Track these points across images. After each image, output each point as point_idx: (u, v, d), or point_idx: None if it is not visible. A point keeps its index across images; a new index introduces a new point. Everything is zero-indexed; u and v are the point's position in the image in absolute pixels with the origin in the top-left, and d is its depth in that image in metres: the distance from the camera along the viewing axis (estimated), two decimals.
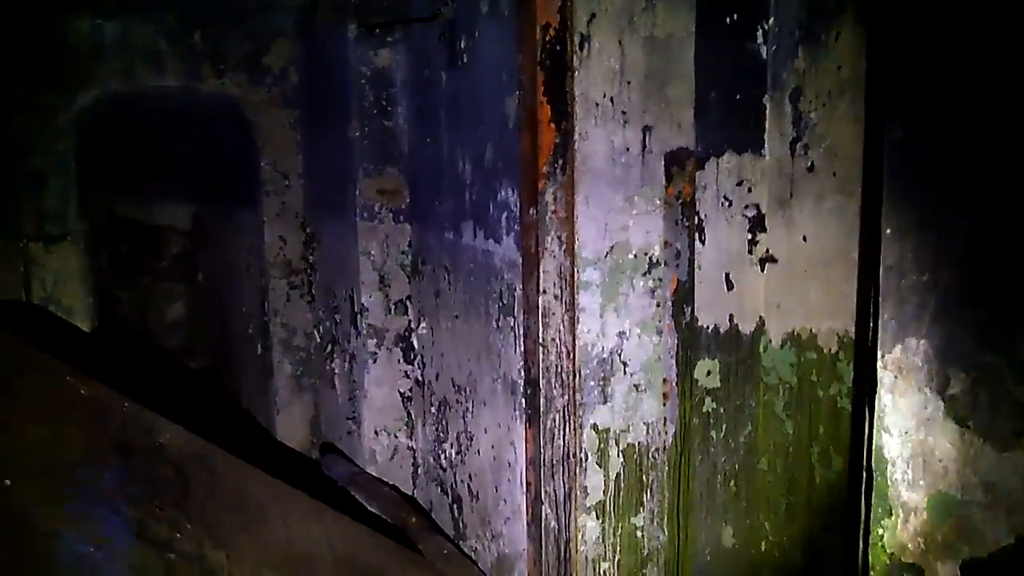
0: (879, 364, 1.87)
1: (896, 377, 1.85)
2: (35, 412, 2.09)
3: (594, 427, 2.32)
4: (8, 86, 3.41)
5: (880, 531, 1.91)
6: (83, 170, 3.71)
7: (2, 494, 1.68)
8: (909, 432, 1.84)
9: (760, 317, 2.45)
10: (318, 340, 3.88)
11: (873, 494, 1.92)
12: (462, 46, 2.70)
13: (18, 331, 2.49)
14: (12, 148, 3.45)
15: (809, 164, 2.33)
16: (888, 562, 1.90)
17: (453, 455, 3.03)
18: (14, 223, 3.49)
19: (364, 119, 3.25)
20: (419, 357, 3.35)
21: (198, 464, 2.41)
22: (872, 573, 2.00)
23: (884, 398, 1.86)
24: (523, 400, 2.43)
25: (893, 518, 1.88)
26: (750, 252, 2.42)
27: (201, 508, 2.16)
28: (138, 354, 4.72)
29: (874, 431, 1.90)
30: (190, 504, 2.14)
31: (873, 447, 1.91)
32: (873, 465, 1.91)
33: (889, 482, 1.89)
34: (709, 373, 2.43)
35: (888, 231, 1.83)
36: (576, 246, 2.23)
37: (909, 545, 1.85)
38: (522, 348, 2.41)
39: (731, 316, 2.44)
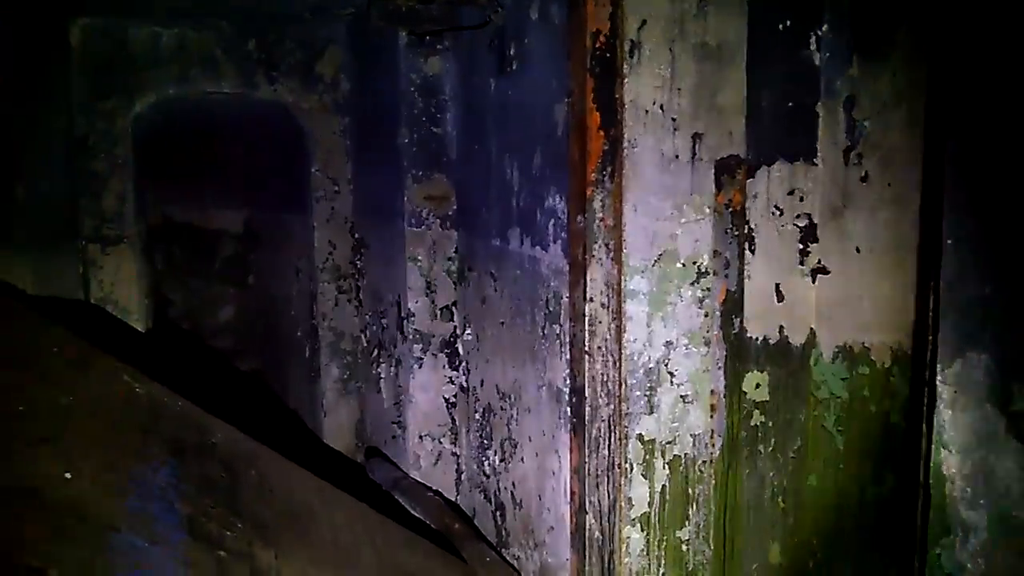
0: (938, 378, 1.82)
1: (956, 392, 1.79)
2: (94, 409, 2.15)
3: (640, 437, 2.30)
4: (71, 91, 3.52)
5: (937, 551, 1.85)
6: (139, 174, 3.81)
7: (63, 486, 1.73)
8: (969, 449, 1.78)
9: (811, 329, 2.40)
10: (365, 344, 3.92)
11: (930, 512, 1.86)
12: (511, 53, 2.71)
13: (78, 330, 2.56)
14: (74, 151, 3.56)
15: (863, 174, 2.29)
16: None
17: (497, 462, 3.03)
18: (74, 225, 3.60)
19: (413, 126, 3.28)
20: (464, 363, 3.36)
21: (248, 464, 2.45)
22: None
23: (943, 413, 1.80)
24: (568, 409, 2.42)
25: (951, 537, 1.83)
26: (801, 263, 2.38)
27: (250, 507, 2.20)
28: (190, 355, 4.82)
29: (932, 447, 1.85)
30: (240, 503, 2.18)
31: (931, 464, 1.85)
32: (931, 482, 1.86)
33: (947, 500, 1.83)
34: (758, 386, 2.39)
35: (949, 241, 1.78)
36: (624, 254, 2.22)
37: (968, 565, 1.80)
38: (568, 356, 2.41)
39: (781, 328, 2.39)
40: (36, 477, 1.73)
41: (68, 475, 1.79)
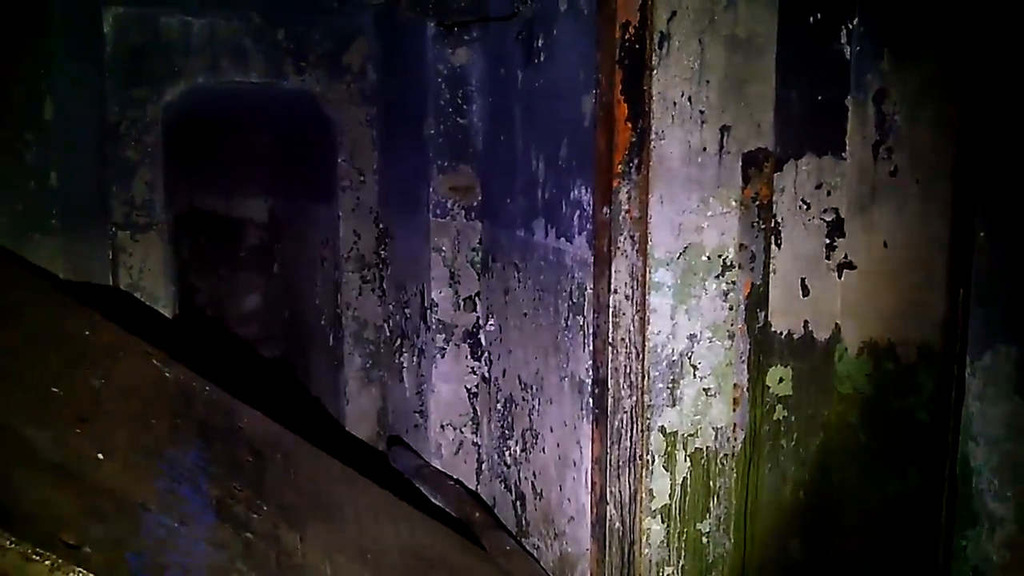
0: (967, 371, 1.81)
1: (985, 384, 1.78)
2: (126, 392, 2.19)
3: (662, 430, 2.30)
4: (104, 79, 3.57)
5: (962, 542, 1.84)
6: (168, 162, 3.85)
7: (96, 466, 1.77)
8: (997, 441, 1.77)
9: (836, 324, 2.39)
10: (388, 334, 3.95)
11: (956, 504, 1.85)
12: (539, 44, 2.71)
13: (109, 315, 2.61)
14: (106, 139, 3.60)
15: (892, 168, 2.27)
16: (971, 574, 1.84)
17: (518, 452, 3.05)
18: (104, 211, 3.64)
19: (440, 117, 3.29)
20: (486, 354, 3.38)
21: (274, 449, 2.48)
22: None
23: (971, 406, 1.79)
24: (590, 400, 2.43)
25: (977, 529, 1.82)
26: (827, 257, 2.37)
27: (276, 491, 2.23)
28: (215, 342, 4.88)
29: (959, 439, 1.84)
30: (266, 487, 2.21)
31: (958, 456, 1.84)
32: (957, 474, 1.85)
33: (974, 492, 1.82)
34: (781, 380, 2.39)
35: (982, 234, 1.77)
36: (649, 246, 2.22)
37: (994, 557, 1.79)
38: (591, 347, 2.41)
39: (806, 323, 2.39)
40: (71, 456, 1.77)
41: (101, 456, 1.83)
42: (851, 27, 2.28)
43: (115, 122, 3.62)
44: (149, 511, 1.73)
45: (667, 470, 2.32)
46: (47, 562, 1.42)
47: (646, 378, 2.27)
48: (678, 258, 2.25)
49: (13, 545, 1.41)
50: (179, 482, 1.91)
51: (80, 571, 1.45)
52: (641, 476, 2.29)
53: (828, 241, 2.36)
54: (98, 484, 1.72)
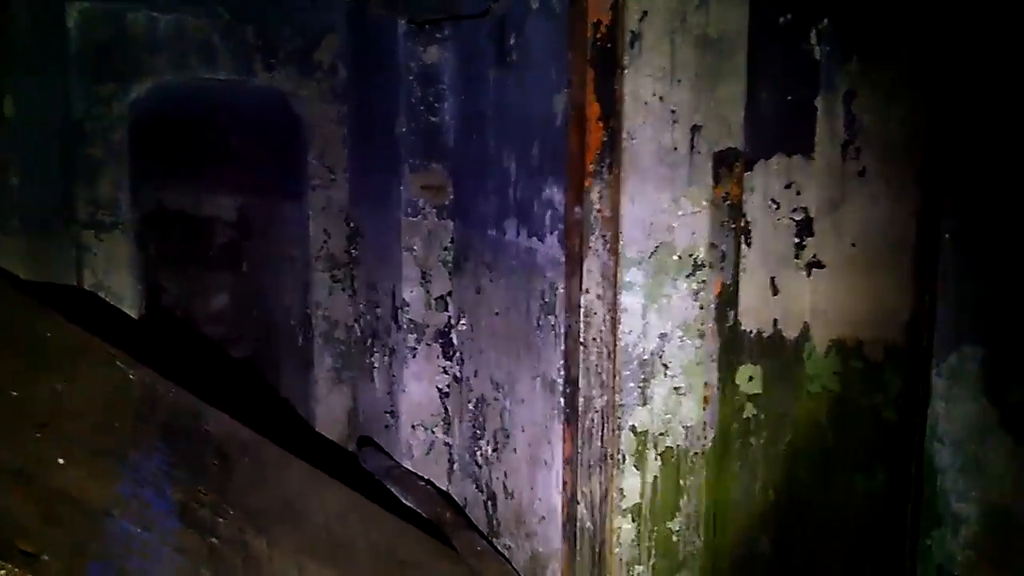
0: (933, 371, 1.83)
1: (951, 385, 1.81)
2: (88, 395, 2.15)
3: (632, 429, 2.30)
4: (68, 76, 3.50)
5: (927, 542, 1.87)
6: (135, 160, 3.79)
7: (57, 471, 1.73)
8: (962, 442, 1.80)
9: (805, 323, 2.41)
10: (358, 333, 3.92)
11: (922, 504, 1.88)
12: (511, 43, 2.70)
13: (71, 316, 2.56)
14: (70, 137, 3.53)
15: (861, 169, 2.29)
16: (936, 573, 1.86)
17: (489, 452, 3.03)
18: (69, 210, 3.58)
19: (411, 115, 3.27)
20: (458, 354, 3.36)
21: (241, 452, 2.45)
22: None
23: (937, 406, 1.82)
24: (562, 399, 2.43)
25: (942, 529, 1.84)
26: (797, 257, 2.39)
27: (243, 495, 2.20)
28: (182, 342, 4.80)
29: (924, 440, 1.86)
30: (232, 490, 2.18)
31: (923, 456, 1.87)
32: (923, 475, 1.87)
33: (939, 492, 1.85)
34: (751, 379, 2.40)
35: (947, 236, 1.79)
36: (620, 246, 2.22)
37: (958, 557, 1.81)
38: (562, 347, 2.41)
39: (775, 321, 2.40)
40: (30, 462, 1.73)
41: (61, 460, 1.79)
42: (820, 28, 2.29)
43: (79, 119, 3.56)
44: (111, 517, 1.69)
45: (638, 469, 2.32)
46: (3, 571, 1.38)
47: (617, 377, 2.27)
48: (649, 257, 2.25)
49: None
50: (143, 486, 1.87)
51: None
52: (612, 475, 2.29)
53: (797, 240, 2.37)
54: (58, 489, 1.68)
